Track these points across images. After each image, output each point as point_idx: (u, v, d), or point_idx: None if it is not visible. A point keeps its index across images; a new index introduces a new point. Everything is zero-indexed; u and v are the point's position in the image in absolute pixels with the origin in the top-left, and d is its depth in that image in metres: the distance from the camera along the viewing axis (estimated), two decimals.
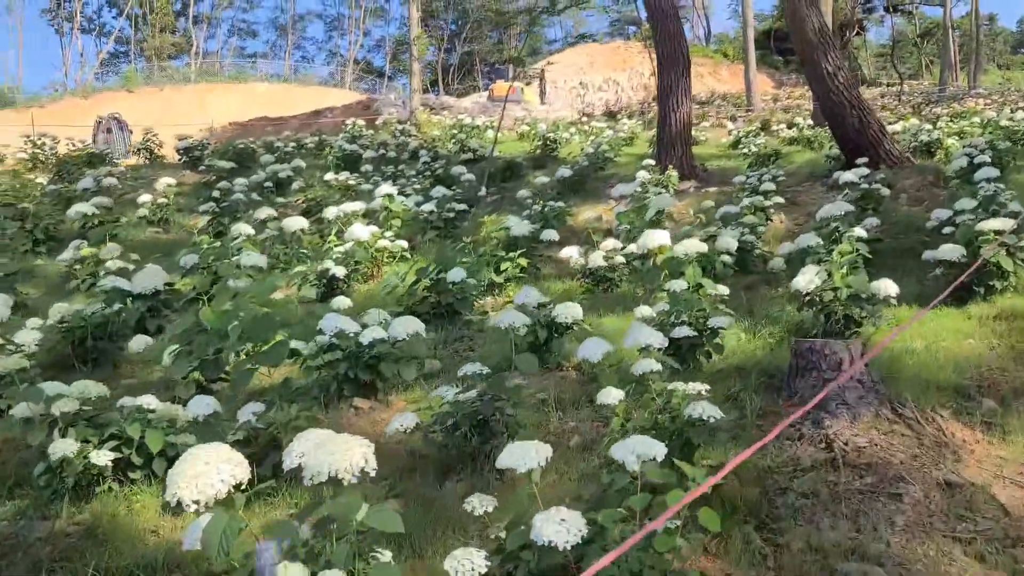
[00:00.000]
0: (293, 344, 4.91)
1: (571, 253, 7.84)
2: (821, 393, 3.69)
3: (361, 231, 8.05)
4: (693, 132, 24.16)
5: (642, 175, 12.82)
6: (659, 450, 2.92)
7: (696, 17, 60.79)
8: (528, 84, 45.28)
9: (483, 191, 13.08)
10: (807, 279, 6.03)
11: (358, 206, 9.32)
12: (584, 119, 30.34)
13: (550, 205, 11.07)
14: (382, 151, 17.43)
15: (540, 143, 19.69)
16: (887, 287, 5.88)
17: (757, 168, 14.24)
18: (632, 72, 48.95)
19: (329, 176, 13.75)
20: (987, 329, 6.44)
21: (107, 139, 28.30)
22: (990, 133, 15.73)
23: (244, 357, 4.38)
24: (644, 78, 47.92)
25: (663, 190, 12.65)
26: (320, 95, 48.22)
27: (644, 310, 5.41)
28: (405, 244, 9.32)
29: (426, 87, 62.13)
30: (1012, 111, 18.48)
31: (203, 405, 4.16)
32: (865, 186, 10.48)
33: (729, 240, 7.83)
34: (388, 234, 8.96)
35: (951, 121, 20.78)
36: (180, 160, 18.48)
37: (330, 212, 9.07)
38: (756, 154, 15.26)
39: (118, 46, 52.83)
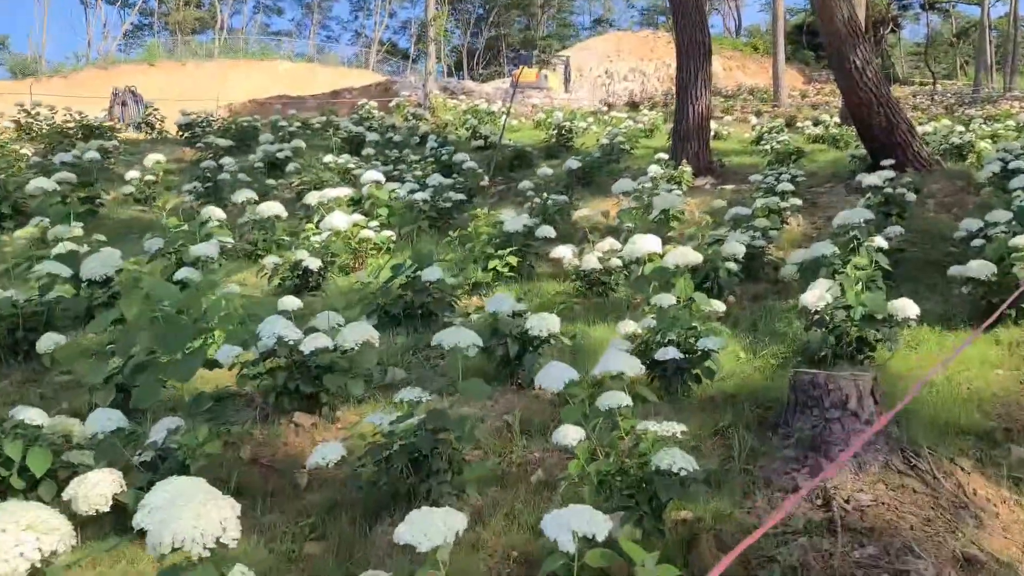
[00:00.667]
0: (233, 348, 4.34)
1: (564, 253, 7.19)
2: (851, 448, 3.10)
3: (339, 220, 7.43)
4: (715, 126, 23.41)
5: (653, 169, 12.13)
6: (600, 528, 2.31)
7: (727, 9, 59.45)
8: (553, 71, 44.48)
9: (485, 181, 12.41)
10: (817, 295, 5.37)
11: (343, 192, 8.71)
12: (605, 108, 29.53)
13: (552, 199, 10.42)
14: (390, 134, 16.81)
15: (555, 132, 18.97)
16: (906, 307, 5.21)
17: (777, 166, 13.47)
18: (659, 63, 47.87)
19: (329, 159, 13.16)
20: (1018, 358, 5.75)
21: (123, 112, 28.05)
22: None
23: (147, 368, 3.81)
24: (671, 69, 46.81)
25: (675, 187, 11.95)
26: (342, 75, 47.68)
27: (628, 326, 4.78)
28: (392, 235, 8.72)
29: (450, 71, 61.48)
30: None
31: (104, 420, 3.58)
32: (889, 190, 9.72)
33: (736, 245, 7.15)
34: (373, 224, 8.34)
35: (984, 123, 19.82)
36: (180, 136, 17.97)
37: (311, 197, 8.46)
38: (777, 151, 14.45)
39: (142, 18, 52.59)
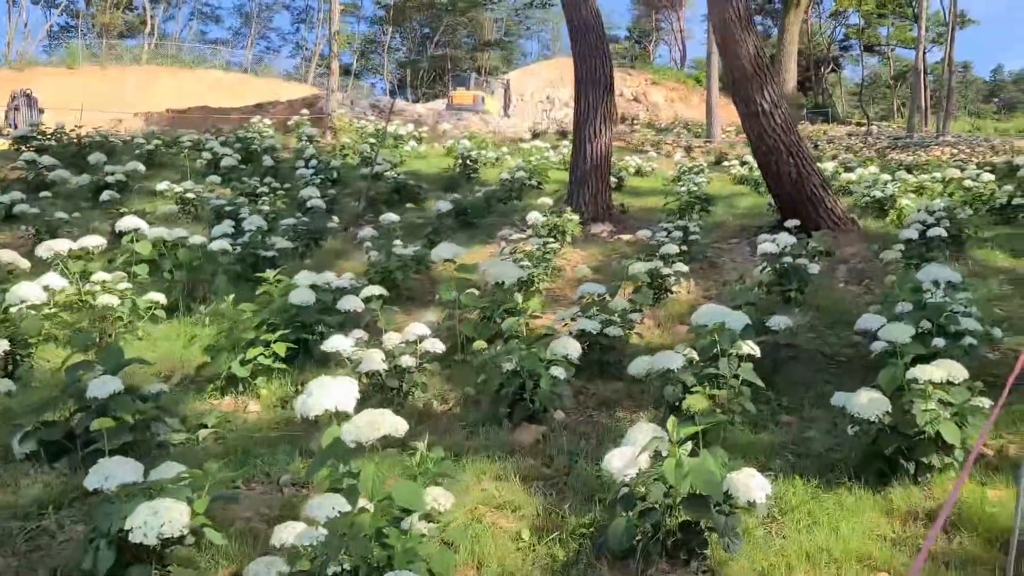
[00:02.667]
0: None
1: (340, 345, 5.27)
2: None
3: (30, 290, 5.38)
4: (639, 161, 21.85)
5: (533, 217, 10.33)
6: None
7: (673, 40, 58.70)
8: (491, 94, 42.81)
9: (334, 222, 10.44)
10: (623, 461, 3.55)
11: (93, 241, 6.66)
12: (528, 136, 27.86)
13: (396, 252, 8.51)
14: (267, 158, 14.76)
15: (459, 162, 17.14)
16: (750, 487, 3.41)
17: (684, 214, 11.79)
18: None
19: (162, 186, 11.10)
20: (916, 533, 4.00)
21: (14, 117, 25.64)
22: (950, 194, 13.45)
23: None
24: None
25: (555, 238, 10.17)
26: (276, 88, 45.38)
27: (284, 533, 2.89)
28: (161, 298, 6.71)
29: (393, 89, 59.50)
30: (977, 169, 16.24)
31: None
32: (789, 260, 8.05)
33: (568, 343, 5.32)
34: (122, 286, 6.31)
35: (912, 172, 18.58)
36: (13, 148, 15.67)
37: (43, 249, 6.40)
38: (686, 197, 12.80)
39: (69, 20, 49.54)
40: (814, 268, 8.06)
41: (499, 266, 6.32)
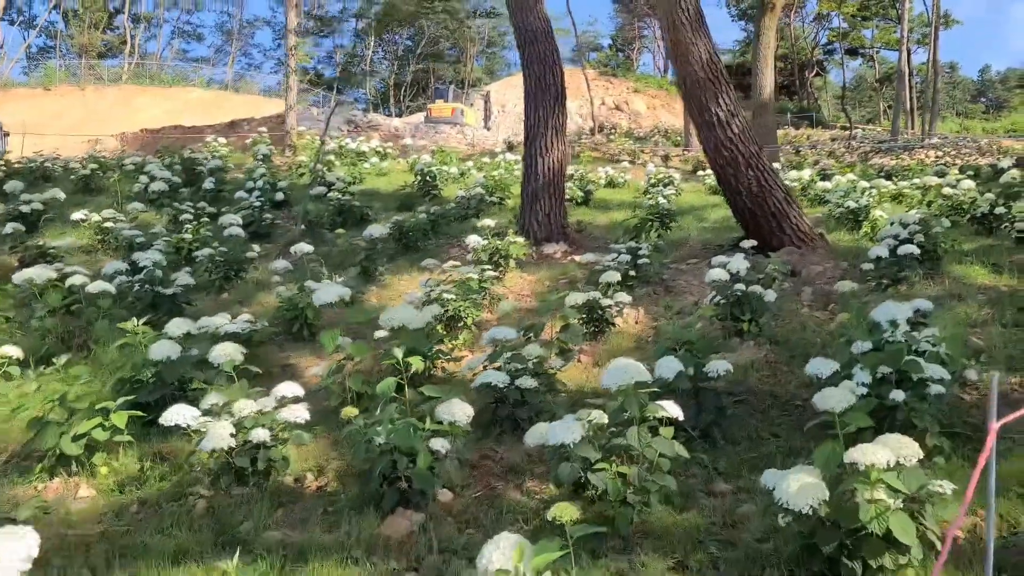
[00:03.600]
0: None
1: (180, 417, 4.35)
2: None
3: None
4: (612, 172, 20.95)
5: (473, 241, 9.44)
6: None
7: (656, 47, 57.96)
8: (471, 106, 42.00)
9: (255, 251, 9.52)
10: None
11: None
12: (499, 148, 27.03)
13: (311, 287, 7.59)
14: (209, 180, 13.86)
15: (418, 179, 16.25)
16: None
17: (640, 233, 10.88)
18: (583, 100, 45.79)
19: (78, 216, 10.20)
20: None
21: None
22: (929, 203, 12.57)
23: None
24: (595, 106, 44.92)
25: (496, 264, 9.28)
26: (257, 105, 44.55)
27: None
28: (15, 351, 5.80)
29: (377, 103, 58.70)
30: (960, 174, 15.37)
31: None
32: (740, 288, 7.14)
33: (455, 407, 4.40)
34: None
35: (892, 178, 17.70)
36: None
37: None
38: (644, 214, 11.89)
39: (48, 41, 48.71)
40: (770, 296, 7.15)
41: (397, 312, 5.39)
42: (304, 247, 8.49)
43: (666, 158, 26.19)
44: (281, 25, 56.60)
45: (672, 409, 4.23)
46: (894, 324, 4.77)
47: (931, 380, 4.64)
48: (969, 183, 11.80)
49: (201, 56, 57.50)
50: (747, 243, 8.44)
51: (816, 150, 29.47)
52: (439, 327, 7.47)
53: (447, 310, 7.35)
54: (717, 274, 7.19)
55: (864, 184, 15.83)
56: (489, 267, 8.77)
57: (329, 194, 12.80)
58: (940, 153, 27.68)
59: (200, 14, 73.94)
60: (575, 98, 46.32)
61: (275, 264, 8.17)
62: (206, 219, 10.67)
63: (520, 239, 9.83)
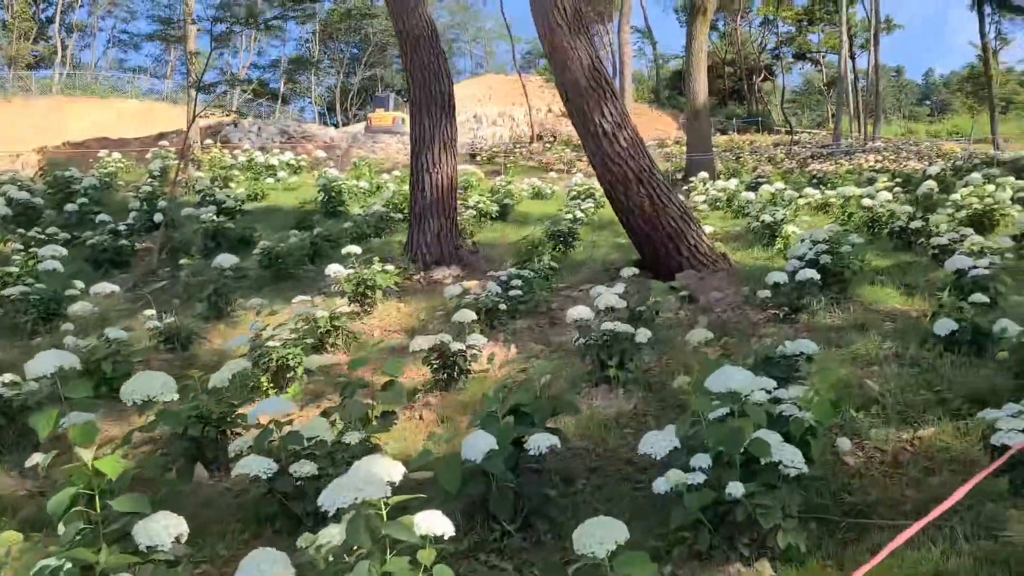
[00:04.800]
0: None
1: None
2: None
3: None
4: (539, 184, 19.98)
5: (334, 270, 8.34)
6: None
7: (606, 54, 57.33)
8: None
9: (76, 287, 8.29)
10: None
11: None
12: None
13: (111, 335, 6.42)
14: (72, 204, 12.55)
15: (322, 195, 15.10)
16: None
17: (532, 255, 9.84)
18: (528, 108, 44.93)
19: None
20: None
21: None
22: (849, 215, 11.76)
23: None
24: (541, 114, 44.10)
25: (363, 296, 8.20)
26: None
27: None
28: None
29: (323, 112, 57.23)
30: (890, 181, 14.65)
31: None
32: (610, 327, 6.14)
33: (158, 527, 3.30)
34: None
35: (823, 185, 16.96)
36: None
37: None
38: (543, 233, 10.89)
39: None
40: (643, 335, 6.15)
41: (141, 381, 4.27)
42: (107, 286, 7.27)
43: None
44: (221, 34, 54.91)
45: (433, 523, 3.18)
46: (734, 396, 3.76)
47: (780, 466, 3.65)
48: (886, 194, 10.99)
49: (139, 65, 55.55)
50: (627, 271, 7.49)
51: (756, 156, 28.87)
52: (264, 379, 6.38)
53: (271, 359, 6.25)
54: (579, 312, 6.19)
55: (792, 193, 15.08)
56: (345, 301, 7.69)
57: (203, 215, 11.58)
58: (880, 157, 27.24)
59: (137, 23, 71.77)
60: (520, 105, 45.51)
61: (73, 308, 6.94)
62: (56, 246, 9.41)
63: (391, 266, 8.75)
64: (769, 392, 4.32)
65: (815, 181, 18.43)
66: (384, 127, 37.12)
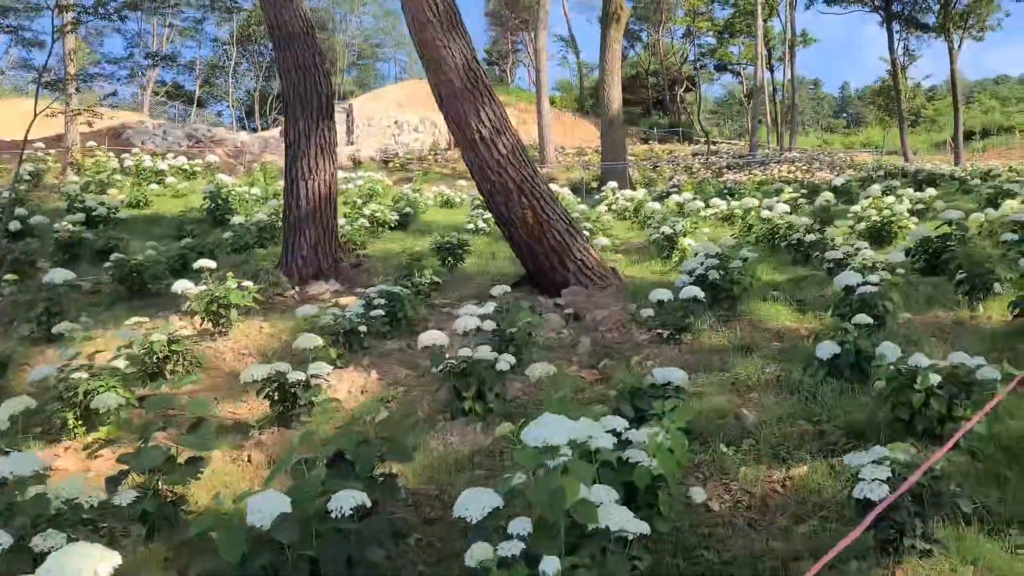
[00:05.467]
0: None
1: None
2: None
3: None
4: (449, 192, 19.34)
5: (180, 286, 7.49)
6: None
7: (530, 61, 57.20)
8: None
9: None
10: None
11: None
12: (347, 163, 25.07)
13: None
14: None
15: (208, 202, 14.10)
16: None
17: (412, 269, 9.14)
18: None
19: None
20: None
21: None
22: (749, 227, 11.48)
23: None
24: None
25: (217, 316, 7.37)
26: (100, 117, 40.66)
27: None
28: None
29: (241, 117, 55.36)
30: (791, 193, 14.54)
31: None
32: (467, 353, 5.51)
33: None
34: None
35: (732, 196, 16.80)
36: None
37: None
38: (429, 245, 10.23)
39: None
40: (504, 363, 5.53)
41: None
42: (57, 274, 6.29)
43: None
44: (133, 33, 52.68)
45: None
46: (550, 450, 3.16)
47: (606, 533, 3.07)
48: (784, 206, 10.72)
49: (43, 64, 52.43)
50: (497, 290, 6.88)
51: (673, 165, 28.90)
52: (69, 415, 5.51)
53: (76, 394, 5.40)
54: (431, 338, 5.55)
55: (699, 204, 14.82)
56: (193, 322, 6.86)
57: (66, 225, 10.52)
58: (793, 168, 27.57)
59: (42, 20, 67.97)
60: (439, 112, 44.77)
61: None
62: None
63: (250, 283, 7.93)
64: (619, 434, 3.77)
65: (726, 192, 18.31)
66: None
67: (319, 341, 5.84)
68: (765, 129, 47.62)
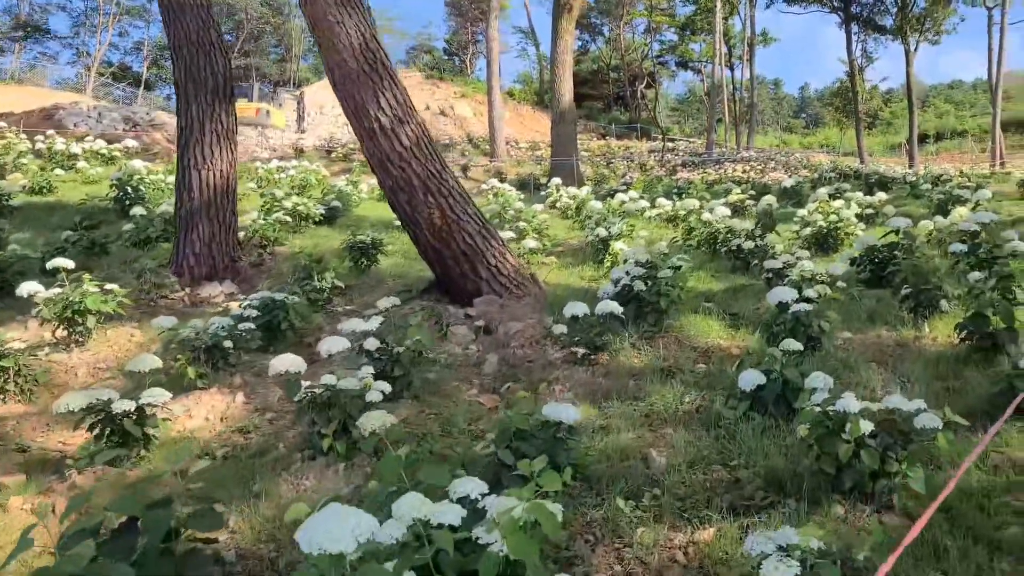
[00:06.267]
0: None
1: None
2: None
3: None
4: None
5: (28, 289, 6.49)
6: None
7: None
8: (279, 107, 38.36)
9: None
10: None
11: None
12: (290, 152, 23.94)
13: None
14: None
15: (116, 190, 12.98)
16: None
17: (313, 270, 8.22)
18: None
19: None
20: None
21: None
22: (690, 230, 10.76)
23: None
24: (419, 111, 42.33)
25: (71, 324, 6.38)
26: (42, 97, 38.99)
27: None
28: None
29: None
30: (739, 195, 13.89)
31: None
32: (331, 380, 4.64)
33: None
34: None
35: (679, 195, 16.10)
36: None
37: None
38: (341, 243, 9.32)
39: None
40: (375, 394, 4.67)
41: None
42: None
43: (465, 168, 23.91)
44: (79, 12, 50.55)
45: None
46: (336, 560, 2.31)
47: None
48: (724, 209, 10.00)
49: None
50: (385, 302, 6.01)
51: (628, 162, 28.22)
52: None
53: None
54: (284, 363, 4.67)
55: (644, 204, 14.09)
56: (39, 330, 5.88)
57: None
58: (748, 167, 27.07)
59: None
60: None
61: None
62: None
63: (116, 286, 6.95)
64: (476, 501, 2.96)
65: (675, 191, 17.61)
66: (247, 118, 34.54)
67: (157, 363, 4.92)
68: (724, 128, 47.34)
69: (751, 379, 4.88)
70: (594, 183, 22.49)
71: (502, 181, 22.07)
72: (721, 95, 37.89)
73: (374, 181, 18.48)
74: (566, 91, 21.04)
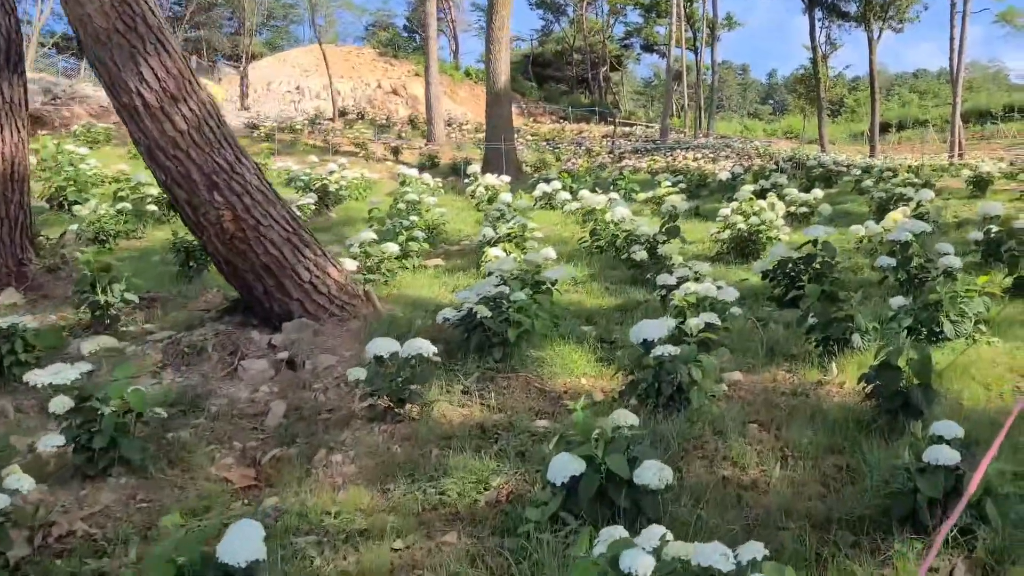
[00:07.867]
0: None
1: None
2: None
3: None
4: (294, 168, 16.56)
5: None
6: None
7: (449, 29, 54.20)
8: (218, 82, 36.30)
9: None
10: None
11: None
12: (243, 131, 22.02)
13: None
14: None
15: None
16: None
17: (97, 284, 6.61)
18: (358, 81, 41.18)
19: None
20: None
21: None
22: (591, 235, 9.30)
23: None
24: (370, 89, 40.49)
25: None
26: None
27: None
28: None
29: None
30: (668, 188, 12.47)
31: None
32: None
33: None
34: None
35: (614, 187, 14.63)
36: None
37: None
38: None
39: None
40: (51, 443, 3.14)
41: None
42: None
43: (396, 151, 22.22)
44: None
45: None
46: None
47: None
48: (624, 210, 8.54)
49: None
50: (162, 333, 4.46)
51: (575, 147, 26.73)
52: None
53: None
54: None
55: (564, 196, 12.65)
56: None
57: None
58: (699, 155, 25.70)
59: None
60: (349, 78, 41.61)
61: None
62: None
63: None
64: None
65: (610, 182, 16.14)
66: None
67: None
68: (684, 113, 45.92)
69: (564, 468, 3.43)
70: (532, 169, 20.98)
71: (434, 165, 20.48)
72: (682, 80, 36.45)
73: (283, 164, 16.79)
74: (502, 71, 19.43)
